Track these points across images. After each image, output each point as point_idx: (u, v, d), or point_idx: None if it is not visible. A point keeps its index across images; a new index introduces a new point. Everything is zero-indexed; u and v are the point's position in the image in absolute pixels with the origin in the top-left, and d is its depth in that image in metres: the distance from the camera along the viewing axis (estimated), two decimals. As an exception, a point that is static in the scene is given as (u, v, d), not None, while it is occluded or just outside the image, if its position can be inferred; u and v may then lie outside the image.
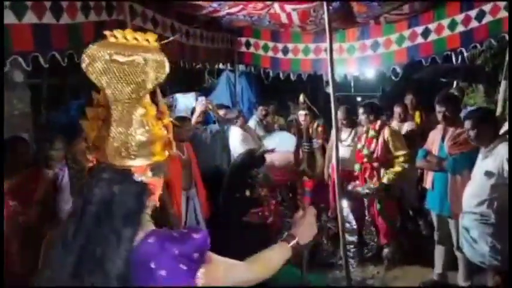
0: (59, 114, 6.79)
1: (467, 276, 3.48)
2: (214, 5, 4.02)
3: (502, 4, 3.71)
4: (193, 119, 4.28)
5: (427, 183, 3.65)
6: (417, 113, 5.30)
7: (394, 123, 4.99)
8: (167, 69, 1.04)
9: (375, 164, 4.18)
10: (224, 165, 4.36)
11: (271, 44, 5.53)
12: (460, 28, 4.12)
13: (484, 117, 3.05)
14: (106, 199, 1.02)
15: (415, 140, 4.48)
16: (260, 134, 5.30)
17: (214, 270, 1.12)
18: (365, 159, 4.24)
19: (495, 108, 3.97)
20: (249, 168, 3.37)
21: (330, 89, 3.21)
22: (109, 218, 1.01)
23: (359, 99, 10.12)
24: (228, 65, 6.24)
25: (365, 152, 4.24)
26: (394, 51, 4.73)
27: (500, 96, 3.93)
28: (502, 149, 2.82)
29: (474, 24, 3.99)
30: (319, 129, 4.95)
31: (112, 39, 1.04)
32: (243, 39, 5.64)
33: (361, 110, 4.35)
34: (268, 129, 5.59)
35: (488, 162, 2.90)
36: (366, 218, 4.79)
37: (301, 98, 5.04)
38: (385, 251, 4.28)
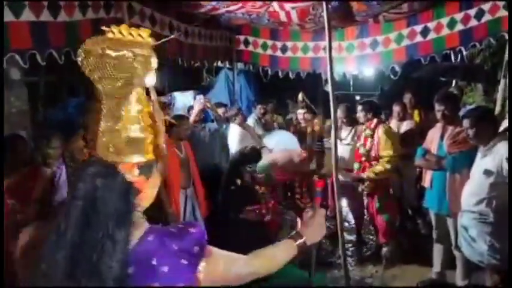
0: (56, 111, 6.77)
1: (466, 275, 3.48)
2: (213, 3, 4.01)
3: (501, 3, 3.71)
4: (192, 118, 4.27)
5: (426, 182, 3.65)
6: (416, 112, 5.30)
7: (393, 122, 4.99)
8: (154, 65, 1.03)
9: (373, 163, 4.18)
10: (223, 164, 4.35)
11: (270, 42, 5.53)
12: (459, 27, 4.12)
13: (482, 116, 3.05)
14: (89, 193, 1.01)
15: (413, 138, 4.48)
16: (259, 133, 5.29)
17: (214, 263, 1.12)
18: (363, 158, 4.25)
19: (494, 107, 3.98)
20: (245, 164, 3.43)
21: (329, 88, 3.19)
22: (96, 214, 0.99)
23: (358, 97, 10.12)
24: (227, 63, 6.24)
25: (362, 150, 4.25)
26: (393, 49, 4.72)
27: (499, 95, 3.93)
28: (501, 147, 2.82)
29: (473, 23, 3.99)
30: (317, 127, 4.96)
31: (110, 35, 1.04)
32: (242, 38, 5.63)
33: (359, 108, 4.35)
34: (267, 128, 5.58)
35: (487, 160, 2.89)
36: (365, 216, 4.79)
37: (300, 96, 5.04)
38: (384, 250, 4.27)
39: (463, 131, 3.13)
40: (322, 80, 5.87)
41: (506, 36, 3.69)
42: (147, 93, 1.08)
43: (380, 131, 4.15)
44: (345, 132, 4.65)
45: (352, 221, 4.99)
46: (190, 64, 4.95)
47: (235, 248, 1.26)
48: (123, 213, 1.01)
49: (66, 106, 6.82)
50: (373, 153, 4.17)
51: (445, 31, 4.23)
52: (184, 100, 8.55)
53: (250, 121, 5.60)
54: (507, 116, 3.52)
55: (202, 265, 1.08)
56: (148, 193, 1.11)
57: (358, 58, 5.05)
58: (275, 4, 4.11)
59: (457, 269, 3.53)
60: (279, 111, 6.79)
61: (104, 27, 1.05)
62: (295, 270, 2.88)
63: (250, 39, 5.61)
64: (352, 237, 4.82)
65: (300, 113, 5.20)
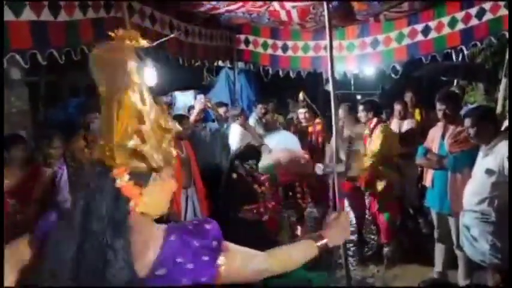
0: (57, 111, 6.78)
1: (467, 275, 3.47)
2: (213, 2, 4.01)
3: (502, 2, 3.69)
4: (192, 117, 4.26)
5: (427, 181, 3.64)
6: (417, 111, 5.29)
7: (394, 121, 4.99)
8: (132, 68, 1.00)
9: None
10: (223, 164, 4.35)
11: (270, 42, 5.52)
12: (460, 26, 4.11)
13: (484, 115, 3.04)
14: (86, 194, 1.01)
15: (414, 137, 4.47)
16: (259, 133, 5.29)
17: (232, 258, 1.15)
18: (362, 157, 4.24)
19: (495, 106, 3.97)
20: (241, 160, 3.48)
21: (329, 87, 3.19)
22: (92, 217, 0.99)
23: (359, 97, 10.12)
24: (227, 62, 6.22)
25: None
26: (394, 48, 4.71)
27: (500, 94, 3.92)
28: (503, 147, 2.81)
29: (474, 22, 3.98)
30: (318, 127, 4.95)
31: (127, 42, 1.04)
32: (242, 37, 5.62)
33: (361, 108, 4.35)
34: (268, 128, 5.57)
35: (489, 160, 2.89)
36: (366, 216, 4.78)
37: (301, 95, 5.03)
38: (385, 249, 4.26)
39: (464, 130, 3.12)
40: (323, 79, 5.86)
41: (507, 35, 3.68)
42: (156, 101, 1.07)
43: (377, 130, 4.15)
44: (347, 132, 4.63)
45: (354, 221, 4.98)
46: (191, 63, 4.94)
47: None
48: (118, 221, 1.00)
49: (66, 106, 6.84)
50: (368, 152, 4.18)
51: (446, 30, 4.22)
52: (184, 100, 8.57)
53: (251, 121, 5.59)
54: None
55: (221, 259, 1.11)
56: (145, 201, 1.05)
57: (359, 57, 5.04)
58: (275, 3, 4.10)
59: (458, 268, 3.52)
60: (279, 111, 6.78)
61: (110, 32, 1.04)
62: (297, 271, 2.87)
63: (251, 38, 5.60)
64: (354, 237, 4.81)
65: (301, 112, 5.19)
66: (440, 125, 3.58)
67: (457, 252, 3.44)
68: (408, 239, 4.58)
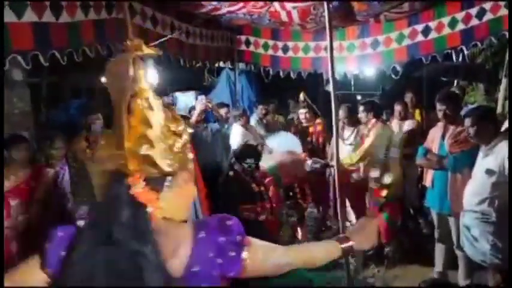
0: (59, 112, 6.80)
1: (468, 275, 3.48)
2: (214, 3, 4.01)
3: (503, 2, 3.70)
4: (193, 118, 4.27)
5: (427, 182, 3.65)
6: (417, 111, 5.30)
7: (395, 121, 4.99)
8: (134, 78, 1.01)
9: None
10: (224, 164, 4.36)
11: (271, 42, 5.52)
12: (461, 26, 4.10)
13: (484, 115, 3.05)
14: (107, 200, 1.03)
15: (415, 138, 4.47)
16: (260, 133, 5.30)
17: (254, 251, 1.17)
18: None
19: (495, 106, 3.97)
20: (239, 158, 3.52)
21: (330, 88, 3.20)
22: (116, 226, 0.98)
23: (359, 97, 10.10)
24: (228, 63, 6.22)
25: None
26: (394, 49, 4.71)
27: (500, 95, 3.93)
28: (503, 147, 2.82)
29: (474, 22, 3.98)
30: (319, 127, 4.96)
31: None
32: (243, 38, 5.62)
33: (361, 109, 4.36)
34: (270, 129, 5.59)
35: (489, 160, 2.89)
36: (367, 216, 4.79)
37: (302, 96, 5.04)
38: (386, 249, 4.27)
39: (465, 130, 3.13)
40: (323, 80, 5.87)
41: (508, 36, 3.68)
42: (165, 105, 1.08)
43: (375, 131, 4.16)
44: (348, 132, 4.65)
45: (354, 221, 4.98)
46: (192, 64, 4.94)
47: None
48: (140, 227, 1.00)
49: (68, 107, 6.86)
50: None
51: (446, 30, 4.22)
52: (186, 100, 8.58)
53: (252, 122, 5.61)
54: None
55: (245, 253, 1.14)
56: (162, 206, 1.05)
57: (359, 58, 5.04)
58: (276, 4, 4.11)
59: (459, 268, 3.53)
60: (280, 111, 6.79)
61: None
62: (297, 270, 2.87)
63: (252, 39, 5.61)
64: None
65: (302, 112, 5.20)
66: (440, 125, 3.59)
67: (458, 252, 3.44)
68: (408, 239, 4.58)
